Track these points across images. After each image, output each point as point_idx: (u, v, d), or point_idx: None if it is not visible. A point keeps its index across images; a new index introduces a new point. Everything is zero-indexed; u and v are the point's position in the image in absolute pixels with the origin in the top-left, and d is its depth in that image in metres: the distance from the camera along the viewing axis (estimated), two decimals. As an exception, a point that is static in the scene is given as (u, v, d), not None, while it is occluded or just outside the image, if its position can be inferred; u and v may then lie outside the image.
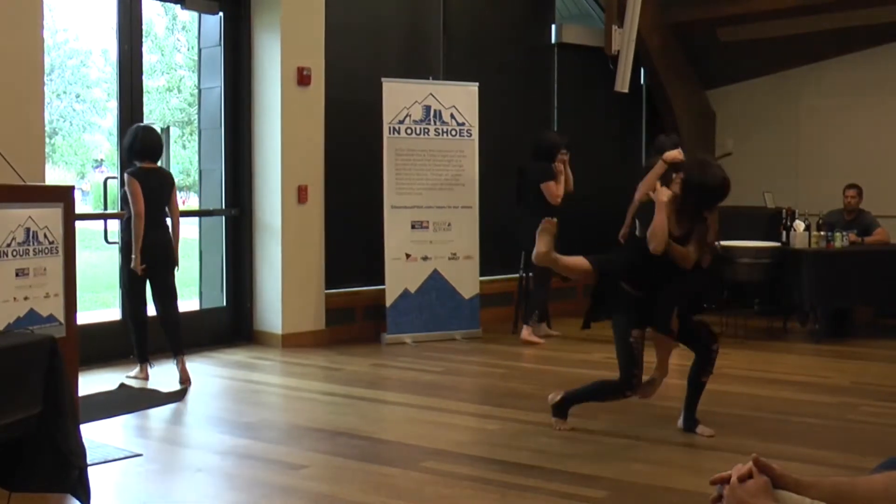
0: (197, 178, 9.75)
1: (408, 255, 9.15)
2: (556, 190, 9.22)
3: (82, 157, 20.73)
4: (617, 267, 5.72)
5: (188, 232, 8.51)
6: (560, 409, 5.92)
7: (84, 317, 7.59)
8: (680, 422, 5.92)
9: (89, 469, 4.34)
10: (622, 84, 11.07)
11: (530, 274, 9.51)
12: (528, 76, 11.35)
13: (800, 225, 9.53)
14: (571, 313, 9.42)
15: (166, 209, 7.35)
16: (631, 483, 4.89)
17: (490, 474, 4.99)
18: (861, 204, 9.96)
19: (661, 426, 6.05)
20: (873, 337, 9.58)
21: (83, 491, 4.29)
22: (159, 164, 7.45)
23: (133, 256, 7.13)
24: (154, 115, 19.27)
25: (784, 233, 9.63)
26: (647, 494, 4.73)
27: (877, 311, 10.30)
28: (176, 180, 7.73)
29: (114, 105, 8.69)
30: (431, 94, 9.31)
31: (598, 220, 10.25)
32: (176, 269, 7.45)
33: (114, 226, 8.09)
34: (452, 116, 9.38)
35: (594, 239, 9.54)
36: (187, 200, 18.69)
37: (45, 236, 5.34)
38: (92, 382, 6.90)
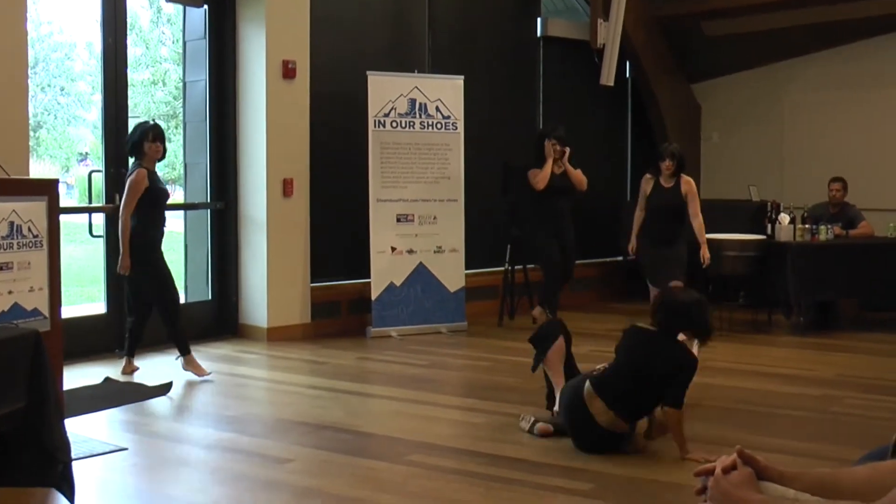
0: (182, 171, 9.72)
1: (393, 249, 9.14)
2: (534, 176, 9.19)
3: (67, 150, 20.62)
4: None
5: (174, 225, 8.48)
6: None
7: (69, 311, 7.56)
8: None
9: (74, 463, 4.33)
10: (607, 77, 11.08)
11: (528, 266, 9.58)
12: (514, 70, 11.34)
13: (785, 218, 9.56)
14: (562, 307, 9.43)
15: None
16: (616, 475, 4.90)
17: (475, 467, 5.00)
18: (846, 197, 9.99)
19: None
20: (857, 330, 9.61)
21: (68, 486, 4.27)
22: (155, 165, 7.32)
23: None
24: (139, 108, 19.17)
25: (769, 226, 9.65)
26: (632, 486, 4.74)
27: (861, 304, 10.34)
28: (161, 174, 7.69)
29: (98, 98, 8.66)
30: (417, 87, 9.30)
31: (585, 213, 10.27)
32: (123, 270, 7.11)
33: (98, 219, 8.07)
34: (438, 110, 9.37)
35: (581, 233, 9.57)
36: (173, 194, 18.61)
37: (30, 230, 5.32)
38: (77, 376, 6.88)
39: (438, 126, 9.37)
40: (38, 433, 4.17)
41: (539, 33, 11.53)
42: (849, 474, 2.09)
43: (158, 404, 6.46)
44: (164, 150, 7.22)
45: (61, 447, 4.28)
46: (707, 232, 9.59)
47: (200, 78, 8.92)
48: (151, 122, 7.29)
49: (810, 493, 2.02)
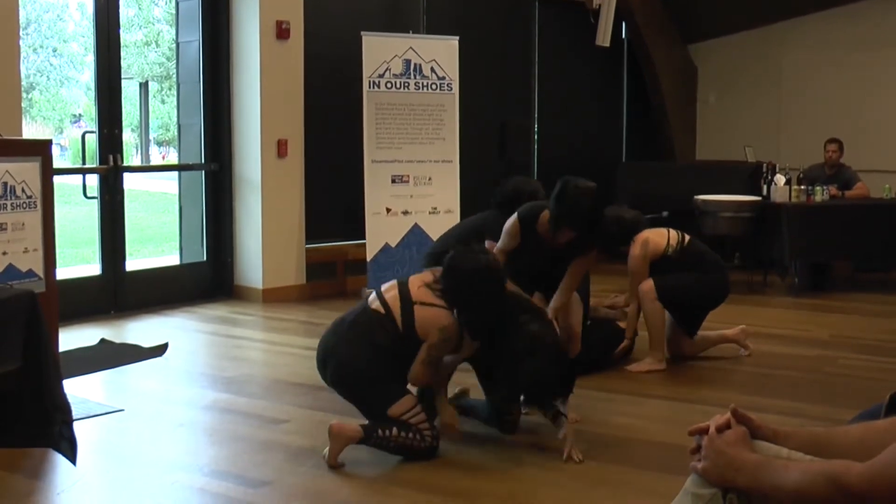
0: (176, 132, 9.69)
1: (388, 210, 9.12)
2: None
3: (60, 112, 20.55)
4: None
5: (168, 187, 8.48)
6: None
7: (64, 272, 7.57)
8: None
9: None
10: (603, 38, 11.03)
11: None
12: (509, 30, 11.29)
13: (780, 179, 9.56)
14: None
15: None
16: (610, 436, 4.92)
17: (469, 427, 5.01)
18: (842, 158, 9.99)
19: (639, 379, 6.09)
20: (852, 291, 9.64)
21: (69, 446, 4.29)
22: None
23: None
24: (132, 69, 19.11)
25: (765, 187, 9.66)
26: (626, 447, 4.76)
27: (855, 265, 10.36)
28: (155, 135, 7.65)
29: (91, 59, 8.61)
30: (412, 47, 9.25)
31: (581, 175, 10.25)
32: None
33: (92, 180, 8.06)
34: (433, 70, 9.32)
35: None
36: (167, 155, 18.57)
37: (23, 191, 5.31)
38: (72, 338, 6.88)
39: (433, 87, 9.33)
40: (36, 393, 4.18)
41: (535, -7, 11.47)
42: (842, 433, 2.10)
43: (154, 366, 6.47)
44: None
45: (61, 407, 4.29)
46: (703, 193, 9.61)
47: (194, 38, 8.87)
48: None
49: (804, 451, 2.04)
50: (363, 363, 4.50)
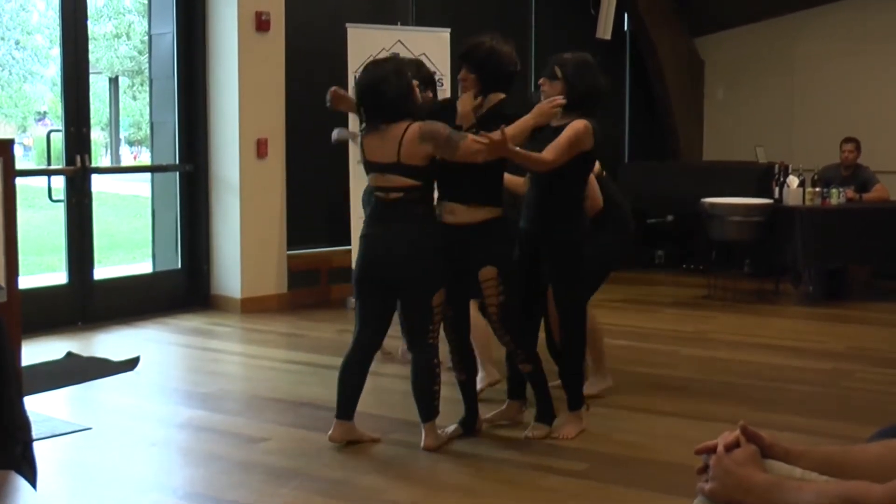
0: (148, 131, 9.68)
1: (375, 214, 9.12)
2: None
3: (23, 109, 20.50)
4: None
5: (139, 189, 8.46)
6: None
7: (27, 281, 7.55)
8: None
9: (35, 444, 4.32)
10: (604, 31, 11.04)
11: None
12: (504, 21, 11.28)
13: (793, 181, 9.57)
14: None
15: None
16: (612, 455, 4.92)
17: (464, 447, 5.02)
18: (859, 159, 10.00)
19: (645, 394, 6.09)
20: (870, 299, 9.65)
21: (28, 468, 4.27)
22: None
23: None
24: (101, 63, 19.08)
25: (777, 189, 9.67)
26: (629, 466, 4.77)
27: (874, 272, 10.37)
28: (126, 134, 7.64)
29: (57, 53, 8.61)
30: (400, 40, 9.25)
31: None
32: None
33: (58, 182, 8.04)
34: (423, 65, 9.33)
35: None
36: (139, 155, 18.56)
37: (-16, 194, 5.29)
38: (37, 351, 6.86)
39: (423, 82, 9.33)
40: (-4, 411, 4.16)
41: (531, -18, 11.49)
42: (859, 452, 2.10)
43: (125, 381, 6.45)
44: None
45: (21, 426, 4.27)
46: (710, 195, 9.62)
47: (167, 30, 8.86)
48: None
49: (818, 471, 2.04)
50: (426, 239, 4.90)
